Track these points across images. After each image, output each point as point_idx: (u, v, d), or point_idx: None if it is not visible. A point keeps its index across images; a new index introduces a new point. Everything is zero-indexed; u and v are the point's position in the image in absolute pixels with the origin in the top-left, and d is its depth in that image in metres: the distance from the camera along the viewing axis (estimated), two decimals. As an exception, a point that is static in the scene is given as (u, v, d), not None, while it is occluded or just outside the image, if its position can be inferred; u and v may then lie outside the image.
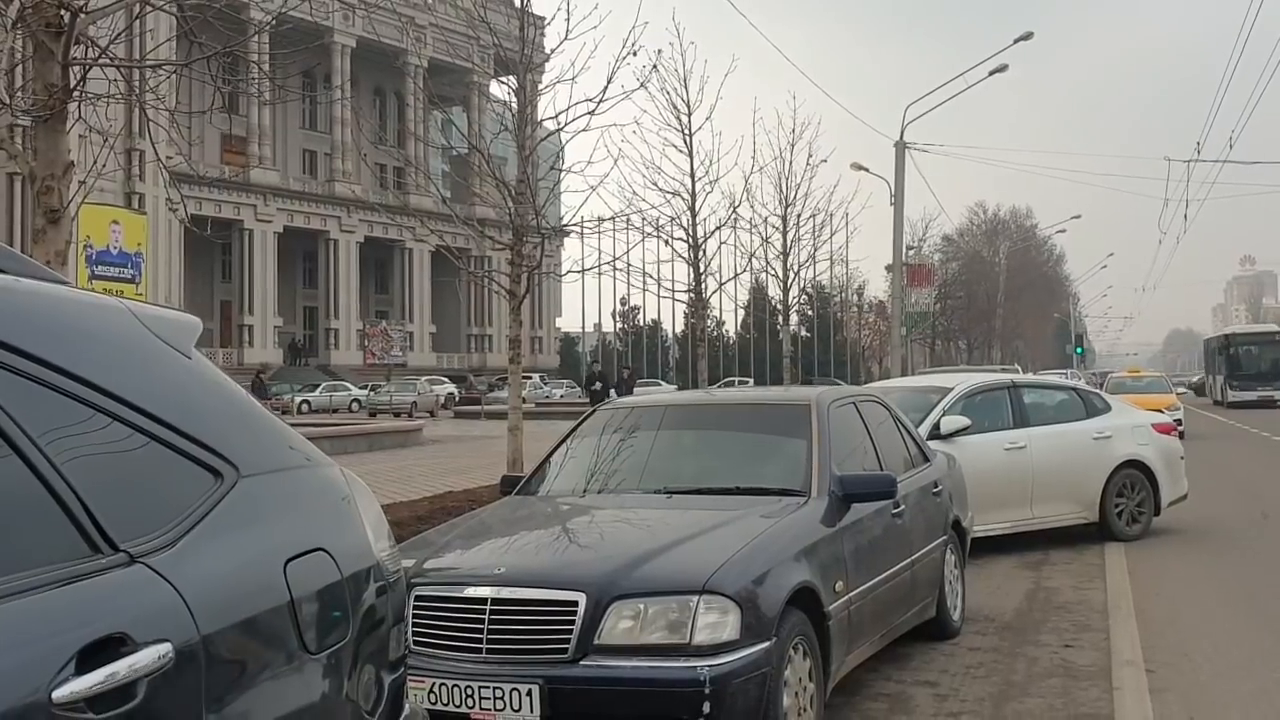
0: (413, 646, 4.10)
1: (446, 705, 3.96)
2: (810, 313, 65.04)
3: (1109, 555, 9.29)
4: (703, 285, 19.83)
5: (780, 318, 36.60)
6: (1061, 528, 9.96)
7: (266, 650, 2.10)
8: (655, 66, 16.08)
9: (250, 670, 2.05)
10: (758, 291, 59.70)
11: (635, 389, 28.68)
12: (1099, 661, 5.94)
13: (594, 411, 6.56)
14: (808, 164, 25.56)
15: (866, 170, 33.55)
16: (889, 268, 35.56)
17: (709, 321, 53.96)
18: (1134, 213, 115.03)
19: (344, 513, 2.50)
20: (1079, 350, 73.28)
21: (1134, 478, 10.21)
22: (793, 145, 25.27)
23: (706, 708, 3.76)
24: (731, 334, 71.03)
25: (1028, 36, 30.26)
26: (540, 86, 14.55)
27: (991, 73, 30.05)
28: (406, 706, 2.71)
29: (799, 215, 26.37)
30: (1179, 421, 18.67)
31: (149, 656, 1.78)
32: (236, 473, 2.19)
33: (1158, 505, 10.29)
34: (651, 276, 24.52)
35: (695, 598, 3.94)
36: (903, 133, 30.95)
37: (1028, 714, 5.05)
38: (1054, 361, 75.94)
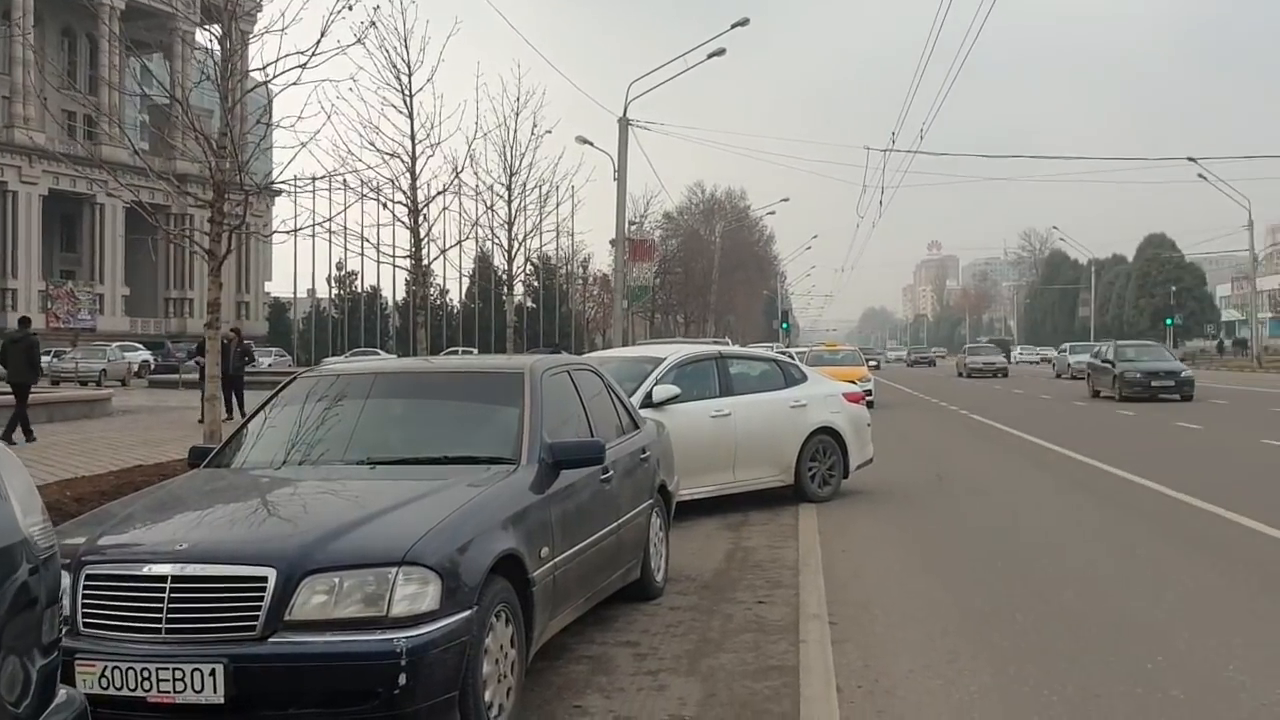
0: (83, 629, 3.82)
1: (120, 689, 3.68)
2: (536, 283, 65.38)
3: (802, 516, 9.90)
4: (424, 251, 19.44)
5: (505, 287, 36.52)
6: (761, 490, 10.53)
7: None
8: (373, 23, 15.53)
9: None
10: (482, 260, 59.43)
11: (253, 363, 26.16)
12: (788, 616, 6.30)
13: (295, 378, 6.27)
14: (533, 134, 25.65)
15: (591, 144, 34.02)
16: (613, 242, 36.23)
17: (431, 289, 53.17)
18: (837, 198, 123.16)
19: (-20, 485, 2.25)
20: (785, 326, 77.69)
21: (826, 443, 10.92)
22: (517, 114, 25.29)
23: (403, 679, 3.69)
24: (456, 303, 70.28)
25: (744, 22, 31.59)
26: (249, 35, 13.74)
27: (710, 55, 31.17)
28: (62, 693, 2.49)
29: (524, 184, 26.39)
30: (869, 392, 20.45)
31: None
32: None
33: (846, 469, 11.07)
34: (369, 241, 23.82)
35: (394, 569, 3.85)
36: (626, 109, 31.60)
37: (721, 669, 5.29)
38: (763, 336, 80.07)
